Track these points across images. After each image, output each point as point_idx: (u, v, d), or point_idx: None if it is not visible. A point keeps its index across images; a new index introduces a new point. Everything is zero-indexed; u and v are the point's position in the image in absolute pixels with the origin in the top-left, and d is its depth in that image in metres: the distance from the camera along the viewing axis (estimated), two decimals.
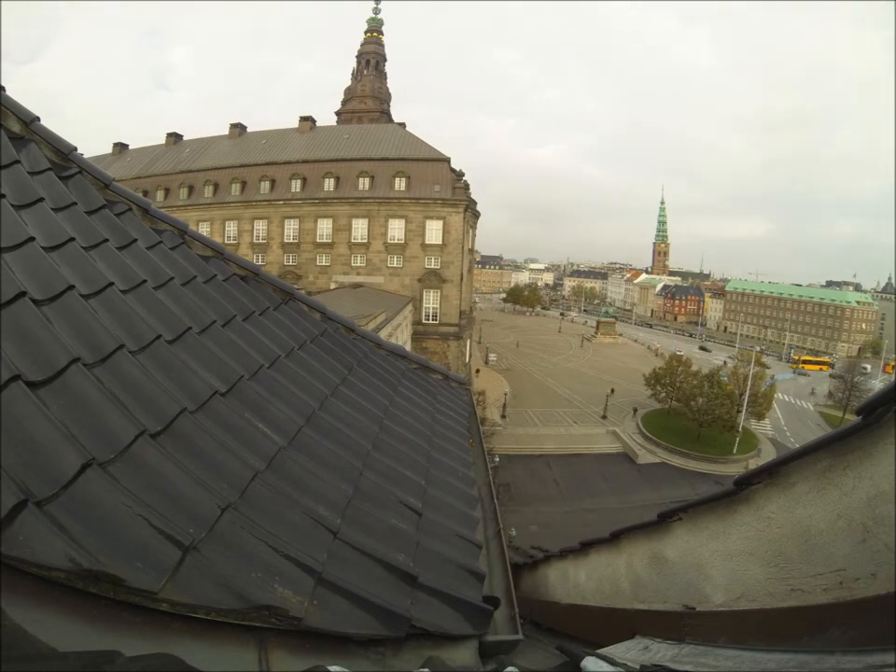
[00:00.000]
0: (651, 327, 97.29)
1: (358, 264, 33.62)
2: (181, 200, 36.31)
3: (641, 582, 2.41)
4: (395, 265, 33.33)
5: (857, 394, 39.94)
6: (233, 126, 40.58)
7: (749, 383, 34.93)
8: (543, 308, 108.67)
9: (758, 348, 48.50)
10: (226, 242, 33.98)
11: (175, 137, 41.52)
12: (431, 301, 33.35)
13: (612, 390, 38.71)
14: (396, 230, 33.26)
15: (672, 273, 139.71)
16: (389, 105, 60.33)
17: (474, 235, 39.99)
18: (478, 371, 43.88)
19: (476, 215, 38.34)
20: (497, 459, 26.22)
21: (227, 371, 2.10)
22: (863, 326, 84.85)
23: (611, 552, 2.81)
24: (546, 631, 3.27)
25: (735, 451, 32.98)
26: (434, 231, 32.99)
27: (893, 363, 60.73)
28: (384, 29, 60.87)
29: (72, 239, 2.10)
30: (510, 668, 1.39)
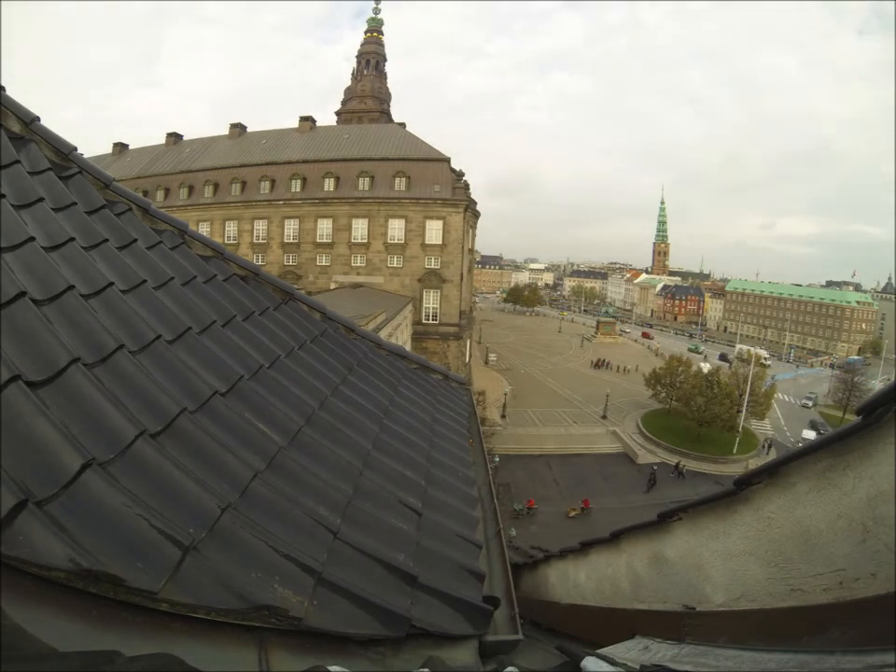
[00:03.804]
0: (650, 327, 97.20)
1: (358, 264, 33.61)
2: (181, 200, 36.29)
3: (641, 582, 2.41)
4: (395, 265, 33.31)
5: (857, 394, 39.97)
6: (233, 126, 40.53)
7: (749, 383, 34.92)
8: (550, 303, 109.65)
9: (757, 348, 48.42)
10: (226, 242, 33.95)
11: (175, 137, 41.49)
12: (431, 301, 33.34)
13: (608, 395, 38.81)
14: (396, 230, 33.24)
15: (672, 273, 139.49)
16: (389, 105, 60.36)
17: (474, 235, 39.98)
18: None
19: (476, 215, 38.33)
20: (497, 459, 26.25)
21: (227, 370, 2.10)
22: (863, 326, 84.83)
23: (611, 552, 2.81)
24: (546, 631, 3.27)
25: (735, 451, 32.97)
26: (434, 231, 32.97)
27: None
28: (383, 29, 61.05)
29: (72, 239, 2.10)
30: (510, 668, 1.39)
